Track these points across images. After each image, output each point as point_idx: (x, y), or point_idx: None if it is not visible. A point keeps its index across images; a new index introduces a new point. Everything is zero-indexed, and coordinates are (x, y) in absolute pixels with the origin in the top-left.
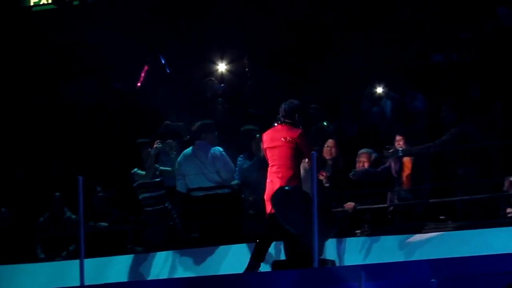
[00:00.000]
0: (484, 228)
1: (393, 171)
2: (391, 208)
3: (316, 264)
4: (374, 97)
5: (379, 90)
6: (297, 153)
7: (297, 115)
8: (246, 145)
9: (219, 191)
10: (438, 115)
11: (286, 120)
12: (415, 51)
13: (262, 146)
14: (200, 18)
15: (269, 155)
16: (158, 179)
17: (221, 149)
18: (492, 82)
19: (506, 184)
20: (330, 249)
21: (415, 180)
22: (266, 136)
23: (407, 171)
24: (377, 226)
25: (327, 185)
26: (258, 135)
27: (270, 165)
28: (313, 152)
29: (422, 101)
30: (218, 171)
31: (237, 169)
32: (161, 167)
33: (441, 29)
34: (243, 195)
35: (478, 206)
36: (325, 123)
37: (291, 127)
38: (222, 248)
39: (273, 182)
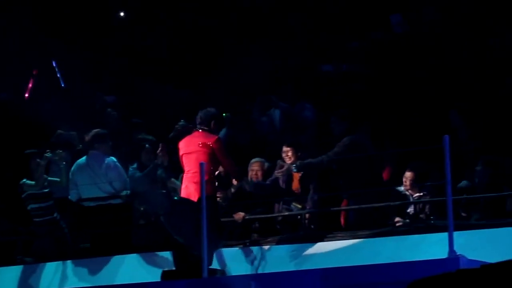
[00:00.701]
0: (374, 237)
1: (281, 182)
2: (280, 218)
3: (205, 274)
4: (264, 107)
5: (269, 99)
6: (213, 158)
7: (213, 122)
8: (137, 155)
9: (111, 201)
10: (327, 125)
11: (203, 127)
12: (305, 61)
13: (178, 153)
14: (91, 26)
15: (185, 161)
16: (46, 190)
17: (114, 159)
18: (384, 91)
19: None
20: (219, 259)
21: (304, 191)
22: (182, 143)
23: (296, 181)
24: (267, 235)
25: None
26: (147, 146)
27: (185, 170)
28: (201, 162)
29: (311, 111)
30: (111, 181)
31: (128, 179)
32: (49, 178)
33: (330, 39)
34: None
35: (368, 216)
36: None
37: (207, 134)
38: (113, 258)
39: (188, 187)
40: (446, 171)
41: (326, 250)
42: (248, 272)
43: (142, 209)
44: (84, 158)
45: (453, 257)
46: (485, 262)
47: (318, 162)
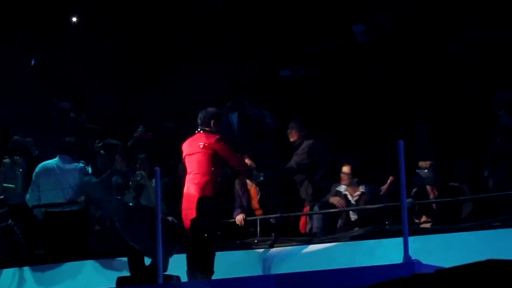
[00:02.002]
0: (331, 243)
1: (237, 188)
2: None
3: (160, 280)
4: (234, 111)
5: (241, 105)
6: (215, 159)
7: (213, 122)
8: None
9: (72, 207)
10: (285, 131)
11: (204, 128)
12: (262, 66)
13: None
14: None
15: (187, 163)
16: (1, 196)
17: (83, 164)
18: (340, 97)
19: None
20: (175, 264)
21: (263, 196)
22: (185, 144)
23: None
24: (225, 241)
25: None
26: (102, 152)
27: (188, 172)
28: (156, 168)
29: (269, 116)
30: (74, 187)
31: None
32: (4, 184)
33: (288, 44)
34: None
35: (327, 221)
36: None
37: (208, 134)
38: (68, 264)
39: (189, 189)
40: (400, 176)
41: (283, 256)
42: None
43: (97, 215)
44: (52, 161)
45: (408, 262)
46: (440, 267)
47: (285, 170)
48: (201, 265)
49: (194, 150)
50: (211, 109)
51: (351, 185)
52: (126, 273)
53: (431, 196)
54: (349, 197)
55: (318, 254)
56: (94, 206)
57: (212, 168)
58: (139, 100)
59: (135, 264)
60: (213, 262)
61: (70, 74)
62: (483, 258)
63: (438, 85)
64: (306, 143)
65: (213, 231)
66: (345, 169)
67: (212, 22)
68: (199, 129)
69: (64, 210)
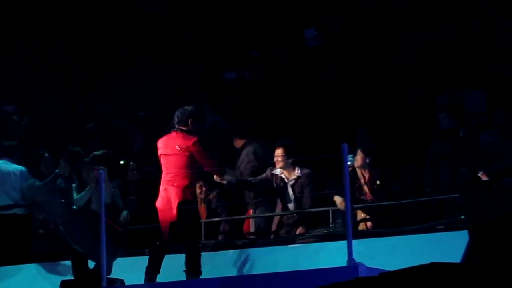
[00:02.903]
0: (274, 246)
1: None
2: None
3: (104, 283)
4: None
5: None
6: (192, 161)
7: (190, 121)
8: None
9: (16, 210)
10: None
11: (181, 128)
12: (208, 68)
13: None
14: None
15: (163, 162)
16: None
17: (24, 168)
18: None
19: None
20: (119, 268)
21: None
22: (161, 143)
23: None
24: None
25: None
26: (46, 155)
27: (164, 172)
28: (100, 171)
29: (222, 123)
30: (17, 190)
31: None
32: None
33: (233, 47)
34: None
35: (269, 224)
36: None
37: (185, 135)
38: (11, 268)
39: (167, 190)
40: (344, 179)
41: (226, 259)
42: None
43: (41, 218)
44: None
45: (352, 265)
46: (383, 270)
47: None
48: (189, 267)
49: (171, 150)
50: (189, 108)
51: (286, 167)
52: (69, 277)
53: (362, 181)
54: (286, 179)
55: (261, 257)
56: (38, 209)
57: (191, 171)
58: (84, 102)
59: (78, 268)
60: (200, 263)
61: (14, 77)
62: (426, 261)
63: (383, 89)
64: (247, 148)
65: (197, 233)
66: (278, 151)
67: (157, 24)
68: (175, 128)
69: (7, 213)
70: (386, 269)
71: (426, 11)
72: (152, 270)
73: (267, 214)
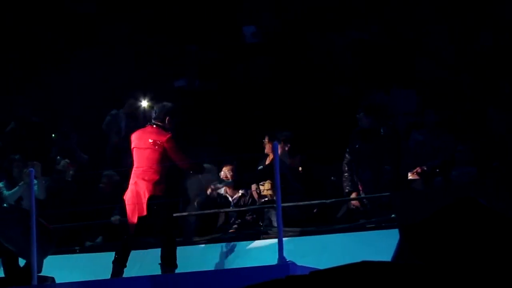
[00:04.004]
0: (207, 244)
1: None
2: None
3: (34, 281)
4: (132, 111)
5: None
6: (164, 157)
7: (168, 118)
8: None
9: None
10: None
11: (157, 123)
12: (158, 75)
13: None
14: None
15: (135, 155)
16: None
17: None
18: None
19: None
20: (50, 265)
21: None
22: (135, 136)
23: None
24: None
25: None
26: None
27: (135, 166)
28: (30, 168)
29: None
30: None
31: None
32: None
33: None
34: None
35: (207, 223)
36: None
37: (160, 130)
38: None
39: (138, 184)
40: (276, 177)
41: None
42: (78, 279)
43: None
44: None
45: (282, 264)
46: (314, 268)
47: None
48: (164, 260)
49: (144, 144)
50: (168, 104)
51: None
52: (0, 275)
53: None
54: (229, 198)
55: (193, 255)
56: None
57: (162, 166)
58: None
59: (9, 265)
60: (175, 256)
61: None
62: (357, 259)
63: (312, 87)
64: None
65: (168, 228)
66: (225, 169)
67: (89, 22)
68: (151, 123)
69: None
70: (317, 267)
71: (357, 10)
72: (119, 263)
73: (198, 212)
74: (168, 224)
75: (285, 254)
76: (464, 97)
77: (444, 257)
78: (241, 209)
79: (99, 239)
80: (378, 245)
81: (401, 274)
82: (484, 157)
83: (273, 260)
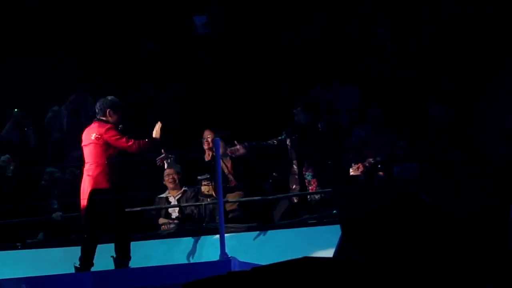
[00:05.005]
0: (146, 240)
1: None
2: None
3: None
4: (75, 107)
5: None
6: (106, 149)
7: (108, 111)
8: None
9: None
10: None
11: (99, 118)
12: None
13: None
14: None
15: (84, 153)
16: None
17: None
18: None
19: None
20: None
21: None
22: (83, 135)
23: None
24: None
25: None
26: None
27: (85, 163)
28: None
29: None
30: None
31: None
32: None
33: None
34: None
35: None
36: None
37: (101, 124)
38: None
39: (84, 180)
40: (217, 173)
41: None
42: (19, 275)
43: None
44: None
45: (224, 260)
46: (256, 264)
47: None
48: (117, 253)
49: (89, 140)
50: (110, 98)
51: (175, 188)
52: None
53: (226, 171)
54: (171, 198)
55: (134, 251)
56: None
57: (105, 159)
58: None
59: None
60: (129, 248)
61: None
62: (299, 255)
63: (256, 83)
64: None
65: (118, 220)
66: (169, 171)
67: (32, 17)
68: (95, 118)
69: None
70: (259, 263)
71: (301, 6)
72: (84, 262)
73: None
74: (118, 216)
75: (227, 250)
76: (406, 93)
77: (384, 252)
78: (183, 205)
79: (40, 236)
80: (320, 241)
81: (342, 270)
82: (425, 153)
83: (215, 256)
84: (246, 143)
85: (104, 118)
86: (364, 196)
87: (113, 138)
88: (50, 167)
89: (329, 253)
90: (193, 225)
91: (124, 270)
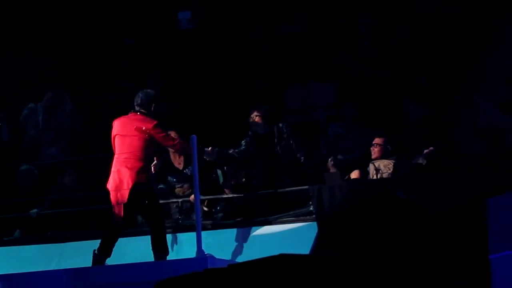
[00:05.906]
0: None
1: None
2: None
3: None
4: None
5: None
6: (149, 144)
7: (153, 105)
8: None
9: None
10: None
11: (141, 110)
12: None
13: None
14: None
15: (117, 143)
16: None
17: None
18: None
19: None
20: None
21: None
22: (117, 122)
23: None
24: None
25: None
26: None
27: (117, 153)
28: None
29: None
30: None
31: None
32: None
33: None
34: None
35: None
36: None
37: (145, 118)
38: None
39: (120, 172)
40: (194, 171)
41: (78, 250)
42: None
43: None
44: None
45: (201, 257)
46: (232, 261)
47: None
48: (155, 246)
49: (128, 132)
50: (152, 92)
51: None
52: None
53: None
54: None
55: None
56: None
57: (146, 153)
58: None
59: None
60: (166, 242)
61: None
62: (276, 252)
63: (232, 80)
64: None
65: (156, 214)
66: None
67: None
68: (136, 110)
69: None
70: (235, 260)
71: (277, 3)
72: (102, 252)
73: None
74: (155, 210)
75: (203, 247)
76: (383, 91)
77: (360, 249)
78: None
79: (16, 233)
80: (296, 238)
81: (318, 267)
82: (401, 150)
83: (191, 253)
84: (217, 149)
85: (145, 111)
86: (341, 193)
87: (160, 135)
88: (25, 164)
89: (305, 250)
90: (169, 222)
91: (99, 267)
